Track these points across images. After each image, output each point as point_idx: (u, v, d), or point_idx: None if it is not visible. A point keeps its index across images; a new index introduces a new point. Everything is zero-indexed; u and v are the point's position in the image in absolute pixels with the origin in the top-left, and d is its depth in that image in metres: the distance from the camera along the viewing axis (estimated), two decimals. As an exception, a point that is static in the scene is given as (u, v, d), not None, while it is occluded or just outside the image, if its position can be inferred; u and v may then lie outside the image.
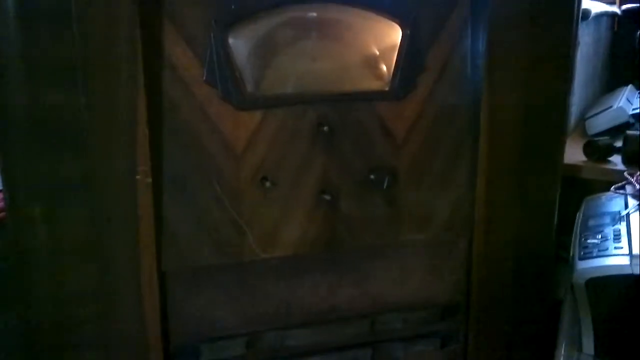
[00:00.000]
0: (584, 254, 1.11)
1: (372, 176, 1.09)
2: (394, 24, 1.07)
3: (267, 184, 1.04)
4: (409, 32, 1.06)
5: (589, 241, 1.15)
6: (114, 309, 1.00)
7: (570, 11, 1.16)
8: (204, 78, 0.98)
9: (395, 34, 1.07)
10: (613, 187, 1.29)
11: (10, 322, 1.14)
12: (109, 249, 0.98)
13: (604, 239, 1.13)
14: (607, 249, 1.08)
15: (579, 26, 1.36)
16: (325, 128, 1.04)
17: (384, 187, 1.09)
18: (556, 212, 1.22)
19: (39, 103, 0.91)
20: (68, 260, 0.97)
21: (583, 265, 1.07)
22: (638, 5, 2.03)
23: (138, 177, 0.95)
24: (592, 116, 1.67)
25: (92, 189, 0.95)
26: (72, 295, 0.99)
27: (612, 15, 2.05)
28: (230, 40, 0.98)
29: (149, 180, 0.96)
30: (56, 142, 0.92)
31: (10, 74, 0.90)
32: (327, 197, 1.07)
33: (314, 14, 1.04)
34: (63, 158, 0.93)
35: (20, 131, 0.93)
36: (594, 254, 1.10)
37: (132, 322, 1.01)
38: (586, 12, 1.57)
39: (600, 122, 1.63)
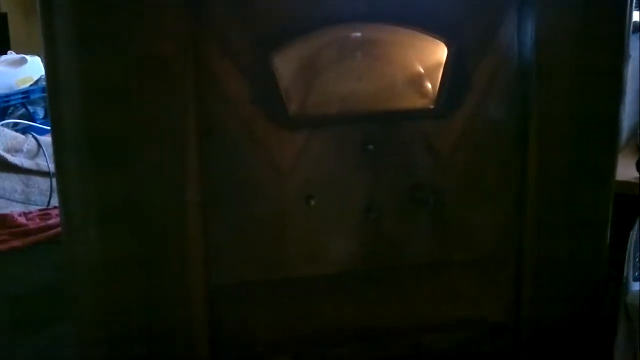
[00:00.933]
0: (638, 274, 1.08)
1: (417, 194, 1.08)
2: (439, 41, 1.06)
3: (312, 202, 1.04)
4: (454, 49, 1.06)
5: (643, 261, 1.12)
6: (166, 324, 1.02)
7: (621, 24, 1.13)
8: (250, 98, 0.99)
9: (440, 52, 1.06)
10: (669, 204, 1.25)
11: (63, 335, 1.18)
12: (159, 266, 1.00)
13: (660, 259, 1.09)
14: (662, 269, 1.05)
15: (630, 39, 1.33)
16: (370, 147, 1.05)
17: (429, 206, 1.08)
18: (609, 231, 1.19)
19: (93, 123, 0.94)
20: (119, 278, 1.00)
21: (637, 286, 1.04)
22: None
23: (188, 197, 0.97)
24: (644, 131, 1.63)
25: (144, 208, 0.97)
26: (122, 312, 1.01)
27: (664, 26, 1.98)
28: (276, 60, 1.00)
29: (198, 199, 0.98)
30: (109, 163, 0.96)
31: (66, 93, 0.94)
32: (372, 216, 1.06)
33: (359, 34, 1.04)
34: (116, 179, 0.96)
35: (75, 151, 0.96)
36: (649, 275, 1.06)
37: (182, 337, 1.03)
38: (637, 25, 1.53)
39: (653, 136, 1.58)
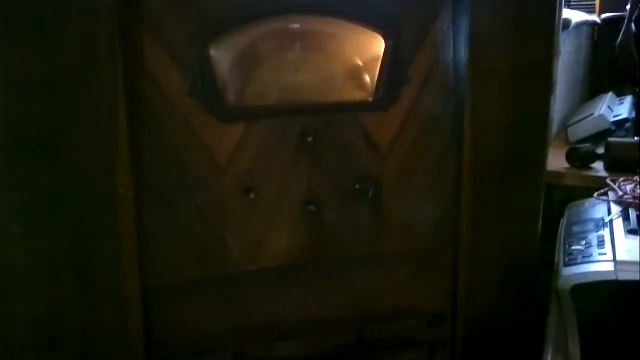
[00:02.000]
0: (568, 260, 1.12)
1: (356, 186, 1.09)
2: (376, 35, 1.07)
3: (251, 195, 1.03)
4: (391, 43, 1.07)
5: (573, 247, 1.16)
6: (97, 325, 0.99)
7: (552, 21, 1.18)
8: (186, 90, 0.97)
9: (378, 45, 1.07)
10: (596, 193, 1.30)
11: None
12: (91, 264, 0.96)
13: (588, 245, 1.14)
14: (591, 255, 1.09)
15: (560, 35, 1.38)
16: (309, 139, 1.04)
17: (369, 197, 1.09)
18: (540, 219, 1.23)
19: (18, 118, 0.90)
20: (49, 276, 0.96)
21: (568, 271, 1.08)
22: (617, 14, 2.06)
23: (119, 191, 0.94)
24: (573, 123, 1.69)
25: (73, 204, 0.93)
26: (54, 311, 0.97)
27: (592, 24, 2.08)
28: (212, 52, 0.98)
29: (131, 194, 0.95)
30: (35, 157, 0.91)
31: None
32: (312, 208, 1.06)
33: (297, 25, 1.04)
34: (43, 173, 0.92)
35: (0, 147, 0.91)
36: (579, 260, 1.11)
37: (115, 338, 1.00)
38: (567, 22, 1.59)
39: (582, 129, 1.65)
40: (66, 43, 0.88)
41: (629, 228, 1.12)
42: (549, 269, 1.28)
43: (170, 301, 1.04)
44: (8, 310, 0.97)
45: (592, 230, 1.18)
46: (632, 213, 1.18)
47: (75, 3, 0.88)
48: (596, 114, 1.66)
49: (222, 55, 0.99)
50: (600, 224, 1.19)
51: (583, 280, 1.05)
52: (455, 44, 1.12)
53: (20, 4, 0.87)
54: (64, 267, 0.96)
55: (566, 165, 1.47)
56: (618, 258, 1.04)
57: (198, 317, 1.06)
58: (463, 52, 1.11)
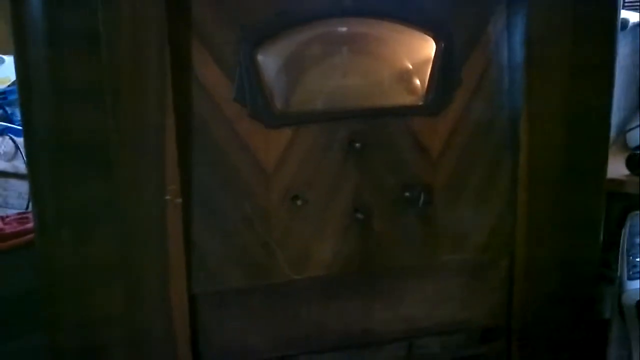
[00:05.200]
0: (632, 273, 1.07)
1: (406, 194, 1.05)
2: (427, 37, 1.04)
3: (298, 202, 1.01)
4: (443, 45, 1.03)
5: (637, 260, 1.10)
6: (143, 332, 0.98)
7: (611, 21, 1.12)
8: (233, 96, 0.96)
9: (429, 47, 1.04)
10: (660, 202, 1.23)
11: (37, 344, 1.13)
12: (138, 271, 0.96)
13: (653, 257, 1.08)
14: (656, 268, 1.03)
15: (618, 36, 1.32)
16: (357, 145, 1.02)
17: (419, 204, 1.05)
18: (601, 230, 1.17)
19: (67, 126, 0.90)
20: (96, 283, 0.96)
21: (632, 285, 1.03)
22: (677, 12, 1.96)
23: (167, 197, 0.93)
24: (633, 128, 1.61)
25: (121, 210, 0.93)
26: (100, 318, 0.97)
27: (650, 23, 1.98)
28: (260, 58, 0.97)
29: (179, 200, 0.94)
30: (84, 163, 0.91)
31: (39, 96, 0.90)
32: (360, 216, 1.03)
33: (345, 29, 1.01)
34: (91, 179, 0.92)
35: (49, 154, 0.92)
36: (643, 274, 1.05)
37: (161, 346, 0.99)
38: (624, 22, 1.52)
39: (642, 134, 1.57)
40: (116, 50, 0.88)
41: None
42: (609, 281, 1.21)
43: (216, 310, 1.02)
44: (56, 314, 0.98)
45: (656, 242, 1.12)
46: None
47: (125, 11, 0.87)
48: (657, 118, 1.58)
49: (269, 61, 0.98)
50: (665, 234, 1.13)
51: (649, 295, 0.99)
52: (510, 45, 1.07)
53: (71, 12, 0.87)
54: (111, 273, 0.96)
55: (626, 172, 1.40)
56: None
57: (243, 326, 1.04)
58: (519, 53, 1.06)
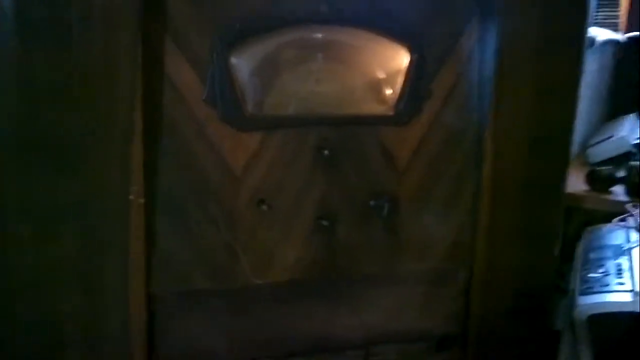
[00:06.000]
0: (585, 288, 1.09)
1: (372, 202, 1.06)
2: (400, 47, 1.05)
3: (264, 207, 1.01)
4: (416, 56, 1.04)
5: (590, 275, 1.13)
6: (99, 331, 0.97)
7: (580, 39, 1.15)
8: (204, 97, 0.95)
9: (401, 58, 1.05)
10: (615, 219, 1.27)
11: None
12: (98, 269, 0.94)
13: (606, 273, 1.11)
14: (608, 284, 1.06)
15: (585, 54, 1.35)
16: (326, 152, 1.02)
17: (384, 214, 1.06)
18: (559, 243, 1.20)
19: (33, 123, 0.88)
20: (55, 281, 0.94)
21: (584, 300, 1.05)
22: (642, 33, 2.02)
23: (131, 197, 0.92)
24: (594, 144, 1.65)
25: (84, 208, 0.92)
26: (57, 316, 0.95)
27: (616, 43, 2.04)
28: (233, 60, 0.96)
29: (142, 200, 0.93)
30: (49, 161, 0.90)
31: (5, 92, 0.87)
32: (325, 223, 1.04)
33: (320, 36, 1.01)
34: (56, 177, 0.90)
35: (13, 150, 0.89)
36: (595, 289, 1.08)
37: (116, 346, 0.98)
38: (591, 40, 1.56)
39: (602, 151, 1.61)
40: (86, 45, 0.86)
41: (648, 257, 1.09)
42: (562, 293, 1.25)
43: (176, 311, 1.02)
44: (14, 311, 0.96)
45: (610, 258, 1.15)
46: (653, 242, 1.15)
47: (98, 6, 0.85)
48: (617, 136, 1.62)
49: (242, 64, 0.97)
50: (619, 251, 1.16)
51: (600, 311, 1.02)
52: (481, 60, 1.09)
53: (41, 5, 0.85)
54: (70, 271, 0.94)
55: (585, 187, 1.44)
56: (637, 289, 1.01)
57: (203, 329, 1.04)
58: (489, 68, 1.08)
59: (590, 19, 1.35)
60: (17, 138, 0.88)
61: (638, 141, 1.62)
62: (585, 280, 1.11)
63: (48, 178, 0.90)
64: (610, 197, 1.41)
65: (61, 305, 0.95)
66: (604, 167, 1.49)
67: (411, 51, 1.04)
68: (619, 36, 2.05)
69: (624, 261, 1.11)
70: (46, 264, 0.92)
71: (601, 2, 2.28)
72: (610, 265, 1.12)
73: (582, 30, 1.16)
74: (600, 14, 2.17)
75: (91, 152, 0.90)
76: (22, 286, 0.94)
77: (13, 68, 0.86)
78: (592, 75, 1.72)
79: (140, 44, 0.88)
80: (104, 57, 0.87)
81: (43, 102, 0.87)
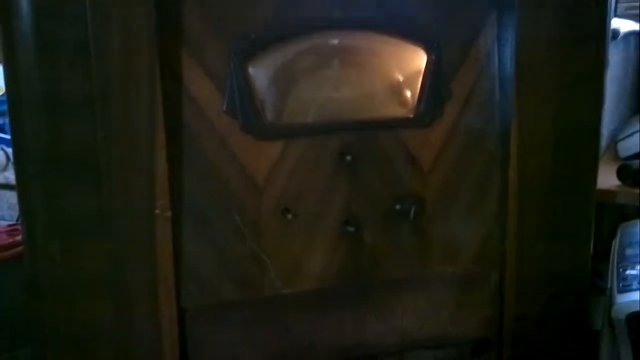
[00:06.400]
0: (622, 286, 1.07)
1: (397, 206, 1.05)
2: (418, 49, 1.04)
3: (289, 215, 1.01)
4: (434, 57, 1.03)
5: (627, 272, 1.10)
6: (132, 347, 0.97)
7: (601, 31, 1.12)
8: (224, 109, 0.96)
9: (419, 60, 1.04)
10: (650, 213, 1.24)
11: (26, 358, 1.12)
12: (127, 284, 0.95)
13: (644, 269, 1.08)
14: (647, 280, 1.03)
15: (609, 46, 1.32)
16: (348, 157, 1.01)
17: (410, 217, 1.05)
18: (592, 242, 1.17)
19: (57, 138, 0.90)
20: (85, 297, 0.95)
21: (622, 299, 1.02)
22: (667, 23, 1.98)
23: (157, 211, 0.93)
24: (623, 138, 1.62)
25: (110, 223, 0.92)
26: (89, 333, 0.96)
27: (640, 34, 2.00)
28: (251, 70, 0.96)
29: (168, 214, 0.93)
30: (74, 176, 0.91)
31: (29, 109, 0.90)
32: (351, 229, 1.03)
33: (336, 41, 1.01)
34: (81, 193, 0.91)
35: (39, 167, 0.91)
36: (634, 287, 1.05)
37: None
38: (615, 32, 1.53)
39: (633, 144, 1.58)
40: (105, 62, 0.88)
41: (688, 252, 1.06)
42: (601, 292, 1.21)
43: (207, 323, 1.01)
44: (44, 328, 0.97)
45: (647, 254, 1.12)
46: (692, 235, 1.11)
47: (115, 22, 0.87)
48: (647, 128, 1.58)
49: (260, 73, 0.97)
50: (656, 246, 1.13)
51: (638, 309, 0.99)
52: (500, 58, 1.08)
53: (61, 24, 0.87)
54: (100, 287, 0.95)
55: (617, 182, 1.41)
56: (678, 284, 0.98)
57: (233, 340, 1.03)
58: (509, 66, 1.06)
59: (612, 11, 1.33)
60: (43, 155, 0.90)
61: (669, 132, 1.58)
62: (622, 278, 1.09)
63: (73, 194, 0.91)
64: (644, 191, 1.38)
65: (93, 321, 0.96)
66: (634, 161, 1.46)
67: (428, 52, 1.03)
68: (643, 27, 2.00)
69: (661, 256, 1.08)
70: (77, 279, 0.93)
71: (623, -6, 2.24)
72: (648, 261, 1.09)
73: (604, 22, 1.14)
74: (622, 4, 2.13)
75: (116, 167, 0.91)
76: (55, 302, 0.95)
77: (37, 87, 0.88)
78: (617, 68, 1.69)
79: (158, 59, 0.89)
80: (123, 73, 0.89)
81: (67, 119, 0.89)
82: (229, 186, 0.98)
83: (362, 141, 1.02)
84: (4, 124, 2.42)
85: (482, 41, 1.06)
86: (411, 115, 1.05)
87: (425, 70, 1.04)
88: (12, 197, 1.98)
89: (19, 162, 0.93)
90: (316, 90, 1.01)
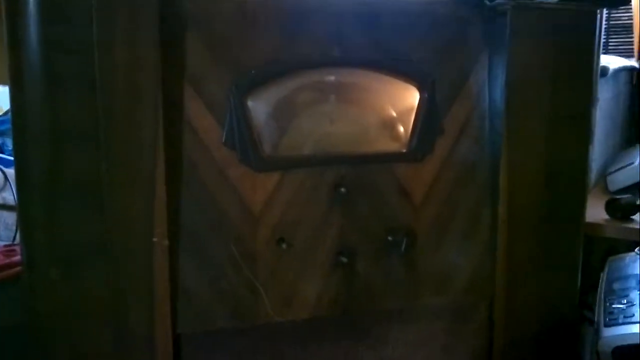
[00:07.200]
0: (609, 320, 1.08)
1: (389, 238, 1.08)
2: (411, 86, 1.07)
3: (284, 245, 1.03)
4: (427, 94, 1.07)
5: (614, 306, 1.12)
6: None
7: (589, 69, 1.16)
8: (223, 141, 0.99)
9: (412, 97, 1.08)
10: (638, 248, 1.26)
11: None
12: (124, 310, 0.97)
13: (630, 304, 1.09)
14: (633, 315, 1.05)
15: (598, 83, 1.36)
16: (343, 190, 1.04)
17: (402, 249, 1.07)
18: (579, 273, 1.19)
19: (60, 166, 0.92)
20: (84, 321, 0.96)
21: (609, 332, 1.04)
22: (656, 59, 2.03)
23: (155, 239, 0.95)
24: (613, 172, 1.65)
25: (109, 250, 0.94)
26: (88, 356, 0.98)
27: (631, 69, 2.04)
28: (250, 104, 0.99)
29: (166, 242, 0.95)
30: (76, 203, 0.93)
31: (33, 137, 0.92)
32: (344, 260, 1.05)
33: (333, 78, 1.05)
34: (82, 219, 0.93)
35: (41, 193, 0.94)
36: (620, 321, 1.06)
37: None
38: (604, 69, 1.56)
39: (622, 178, 1.60)
40: (110, 94, 0.91)
41: (673, 288, 1.08)
42: (589, 323, 1.23)
43: (201, 350, 1.03)
44: (44, 350, 0.98)
45: (633, 288, 1.14)
46: (677, 271, 1.13)
47: (120, 56, 0.90)
48: (636, 163, 1.61)
49: (259, 107, 1.00)
50: (643, 281, 1.15)
51: (625, 343, 1.01)
52: (491, 94, 1.11)
53: (67, 56, 0.90)
54: (99, 311, 0.96)
55: (606, 216, 1.43)
56: (662, 320, 0.99)
57: (227, 368, 1.05)
58: (499, 102, 1.10)
59: (601, 47, 1.36)
60: (46, 182, 0.93)
61: (657, 168, 1.61)
62: (609, 312, 1.10)
63: (74, 220, 0.93)
64: (632, 225, 1.40)
65: (92, 346, 0.97)
66: (624, 195, 1.48)
67: (421, 90, 1.07)
68: (634, 62, 2.05)
69: (648, 291, 1.10)
70: (75, 303, 0.95)
71: (614, 30, 2.30)
72: (635, 295, 1.11)
73: (593, 61, 1.18)
74: (613, 41, 2.19)
75: (116, 195, 0.93)
76: (55, 327, 0.96)
77: (43, 116, 0.91)
78: (607, 103, 1.73)
79: (161, 92, 0.92)
80: (126, 105, 0.92)
81: (70, 148, 0.92)
82: (226, 216, 1.00)
83: (356, 174, 1.05)
84: (3, 143, 2.44)
85: (473, 79, 1.10)
86: (404, 150, 1.08)
87: (418, 107, 1.07)
88: (8, 217, 1.98)
89: (21, 188, 0.95)
90: (313, 125, 1.05)
